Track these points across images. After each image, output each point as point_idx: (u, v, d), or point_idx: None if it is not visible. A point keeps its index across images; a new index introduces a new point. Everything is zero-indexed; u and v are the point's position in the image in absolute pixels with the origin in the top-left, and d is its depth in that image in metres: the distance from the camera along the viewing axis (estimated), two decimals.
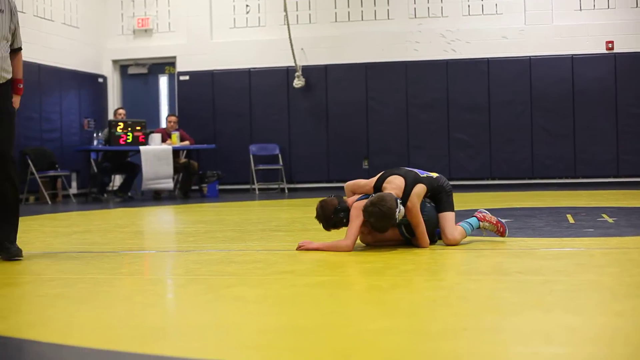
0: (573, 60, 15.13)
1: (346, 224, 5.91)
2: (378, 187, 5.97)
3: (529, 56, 15.30)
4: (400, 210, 5.62)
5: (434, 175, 6.12)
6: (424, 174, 6.07)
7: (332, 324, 3.38)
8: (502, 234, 6.16)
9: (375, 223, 5.68)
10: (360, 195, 6.07)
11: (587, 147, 15.08)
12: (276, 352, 2.91)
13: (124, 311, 3.87)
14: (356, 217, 5.79)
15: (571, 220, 7.78)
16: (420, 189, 5.90)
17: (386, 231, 5.83)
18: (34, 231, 8.26)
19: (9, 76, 5.95)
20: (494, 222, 6.16)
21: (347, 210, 5.89)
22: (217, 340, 3.14)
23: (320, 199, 6.08)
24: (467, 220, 6.13)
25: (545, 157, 15.24)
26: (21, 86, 6.06)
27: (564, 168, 15.21)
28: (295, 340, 3.12)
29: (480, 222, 6.13)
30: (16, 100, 6.04)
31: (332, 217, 5.92)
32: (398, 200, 5.67)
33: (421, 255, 5.50)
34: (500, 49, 15.42)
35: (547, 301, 3.75)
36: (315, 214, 6.04)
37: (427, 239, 5.88)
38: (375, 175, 6.16)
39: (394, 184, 5.88)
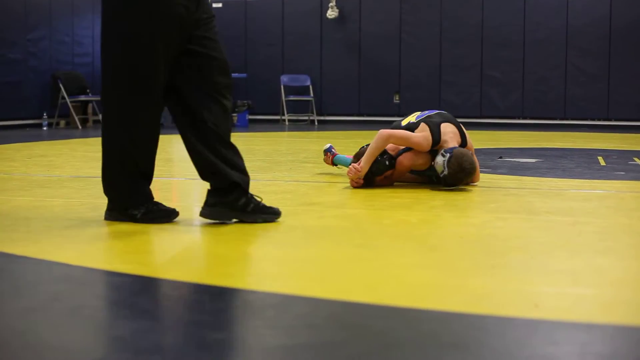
0: None
1: (389, 167, 5.56)
2: (437, 141, 5.53)
3: None
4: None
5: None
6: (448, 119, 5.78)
7: (359, 257, 3.38)
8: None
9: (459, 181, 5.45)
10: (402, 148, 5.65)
11: (621, 88, 14.85)
12: (303, 283, 2.92)
13: (152, 237, 3.90)
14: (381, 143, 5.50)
15: (602, 162, 7.71)
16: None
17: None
18: (65, 155, 8.33)
19: None
20: None
21: (387, 154, 5.55)
22: (244, 269, 3.16)
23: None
24: None
25: (579, 97, 15.04)
26: None
27: (597, 109, 15.01)
28: (322, 272, 3.13)
29: None
30: None
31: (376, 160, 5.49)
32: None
33: (450, 192, 5.48)
34: None
35: (576, 242, 3.74)
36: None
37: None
38: (406, 116, 5.87)
39: (452, 134, 5.59)
